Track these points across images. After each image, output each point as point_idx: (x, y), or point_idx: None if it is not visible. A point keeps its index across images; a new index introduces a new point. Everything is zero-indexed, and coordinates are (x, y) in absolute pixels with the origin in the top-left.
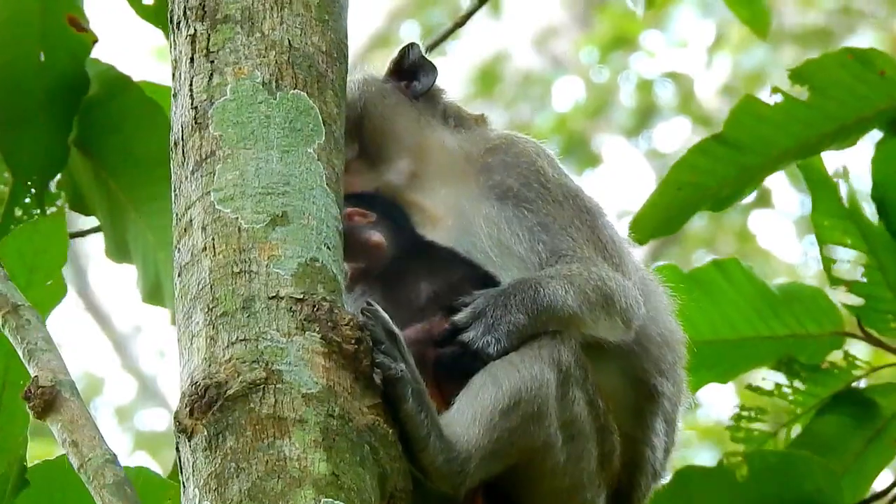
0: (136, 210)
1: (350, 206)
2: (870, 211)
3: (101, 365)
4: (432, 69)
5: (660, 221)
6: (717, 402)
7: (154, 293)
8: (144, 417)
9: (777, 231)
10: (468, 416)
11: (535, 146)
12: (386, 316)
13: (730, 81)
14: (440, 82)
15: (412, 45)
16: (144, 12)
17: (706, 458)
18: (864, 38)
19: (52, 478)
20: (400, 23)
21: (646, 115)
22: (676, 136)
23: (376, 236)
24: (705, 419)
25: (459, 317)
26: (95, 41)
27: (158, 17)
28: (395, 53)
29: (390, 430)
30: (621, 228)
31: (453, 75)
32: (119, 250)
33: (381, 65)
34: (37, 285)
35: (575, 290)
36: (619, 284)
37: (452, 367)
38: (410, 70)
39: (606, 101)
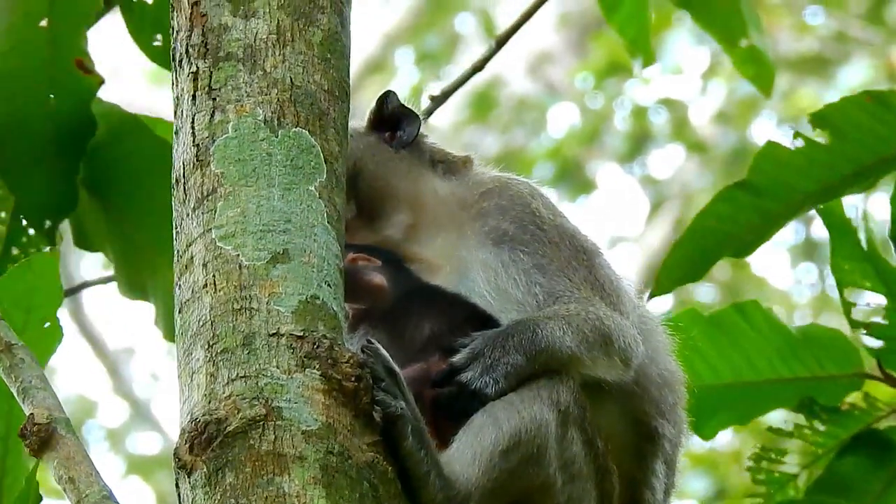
0: (154, 249)
1: (353, 252)
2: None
3: (93, 388)
4: (414, 117)
5: (685, 270)
6: None
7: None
8: (137, 441)
9: (771, 259)
10: (468, 456)
11: (528, 187)
12: (386, 354)
13: (724, 108)
14: (422, 128)
15: (388, 93)
16: (153, 54)
17: (699, 485)
18: (859, 66)
19: None
20: (394, 48)
21: (640, 142)
22: (670, 162)
23: (378, 278)
24: (699, 447)
25: (457, 357)
26: (101, 83)
27: (167, 58)
28: (372, 104)
29: (390, 468)
30: (618, 266)
31: (449, 101)
32: (133, 289)
33: (364, 109)
34: (33, 326)
35: (573, 330)
36: (617, 324)
37: (450, 406)
38: (391, 119)
39: (601, 127)
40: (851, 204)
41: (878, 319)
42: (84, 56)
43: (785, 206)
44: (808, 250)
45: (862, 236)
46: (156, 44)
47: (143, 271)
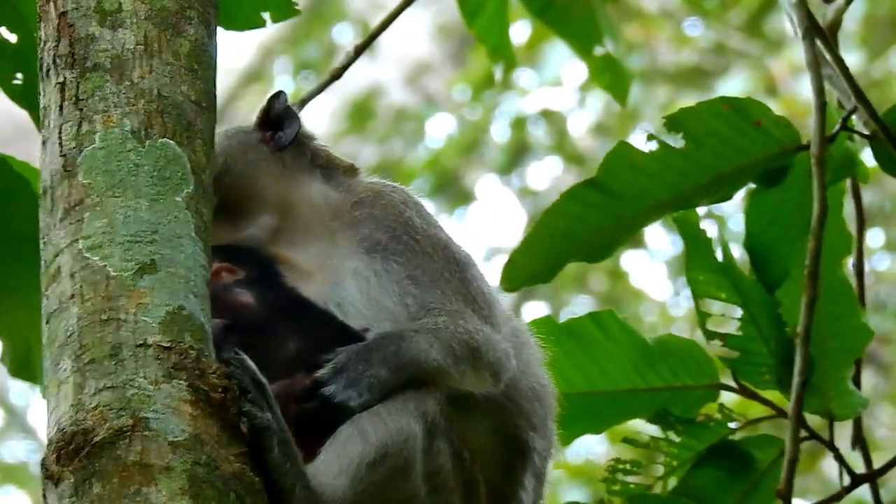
0: (2, 287)
1: (219, 259)
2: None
3: None
4: (295, 119)
5: (533, 270)
6: (587, 441)
7: (23, 368)
8: (12, 449)
9: (649, 271)
10: (335, 468)
11: (403, 196)
12: (253, 365)
13: (603, 120)
14: (310, 128)
15: (278, 94)
16: (13, 92)
17: (577, 495)
18: (738, 78)
19: None
20: (273, 59)
21: (518, 153)
22: (548, 174)
23: (245, 296)
24: (575, 457)
25: (321, 372)
26: None
27: (24, 97)
28: (264, 102)
29: (257, 479)
30: (492, 278)
31: (326, 111)
32: None
33: (250, 111)
34: None
35: (440, 343)
36: (486, 338)
37: (314, 421)
38: (276, 120)
39: (479, 138)
40: (707, 214)
41: (733, 331)
42: None
43: (637, 211)
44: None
45: (717, 247)
46: (16, 82)
47: None
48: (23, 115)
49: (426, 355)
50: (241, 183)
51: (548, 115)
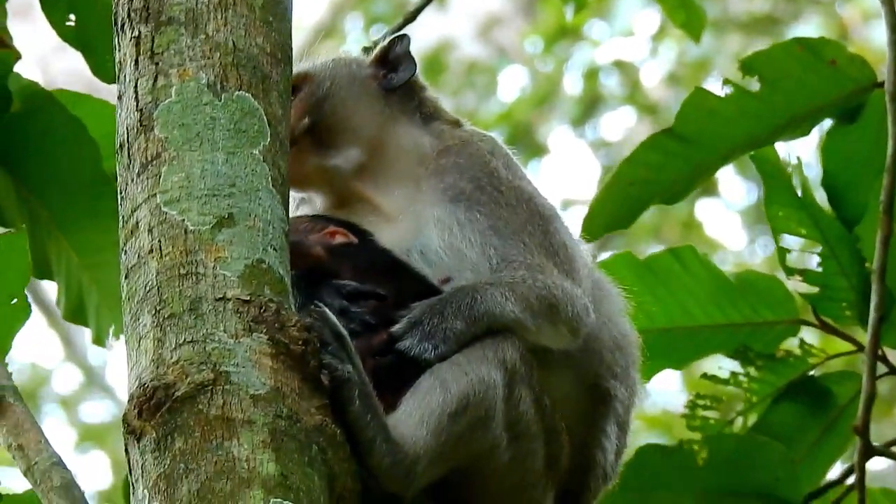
0: (60, 229)
1: (334, 226)
2: (821, 199)
3: (47, 356)
4: (412, 65)
5: (611, 217)
6: (666, 390)
7: (77, 312)
8: (90, 408)
9: (723, 220)
10: (416, 419)
11: (491, 145)
12: (333, 318)
13: (675, 70)
14: (422, 79)
15: (402, 36)
16: (65, 33)
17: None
18: (809, 25)
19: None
20: (344, 15)
21: (591, 105)
22: (622, 125)
23: (318, 249)
24: (652, 408)
25: (396, 327)
26: (18, 58)
27: (77, 38)
28: (385, 42)
29: (338, 431)
30: (574, 231)
31: None
32: (38, 267)
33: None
34: (0, 304)
35: (517, 297)
36: (566, 293)
37: (392, 376)
38: (394, 62)
39: (552, 90)
40: (785, 151)
41: (814, 266)
42: (2, 30)
43: (714, 155)
44: (760, 212)
45: (796, 183)
46: (69, 24)
47: (49, 250)
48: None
49: (502, 308)
50: (340, 111)
51: (620, 66)
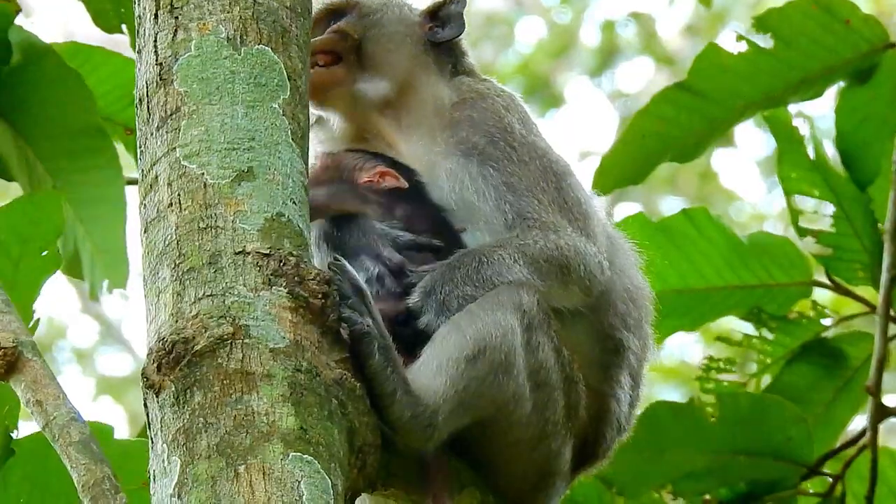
0: (56, 180)
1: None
2: (833, 157)
3: (63, 309)
4: (461, 26)
5: (625, 171)
6: (681, 342)
7: (72, 265)
8: (107, 361)
9: (740, 171)
10: (434, 366)
11: (507, 100)
12: (353, 271)
13: (692, 21)
14: (465, 44)
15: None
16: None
17: (672, 396)
18: None
19: (38, 449)
20: None
21: (608, 56)
22: (639, 76)
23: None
24: (669, 359)
25: (412, 301)
26: (18, 10)
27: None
28: None
29: (358, 385)
30: (587, 186)
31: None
32: None
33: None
34: (30, 255)
35: (525, 259)
36: (578, 251)
37: (412, 345)
38: (444, 18)
39: (569, 41)
40: (798, 112)
41: (826, 228)
42: None
43: (728, 111)
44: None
45: (809, 144)
46: None
47: None
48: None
49: (509, 269)
50: (382, 43)
51: (637, 17)
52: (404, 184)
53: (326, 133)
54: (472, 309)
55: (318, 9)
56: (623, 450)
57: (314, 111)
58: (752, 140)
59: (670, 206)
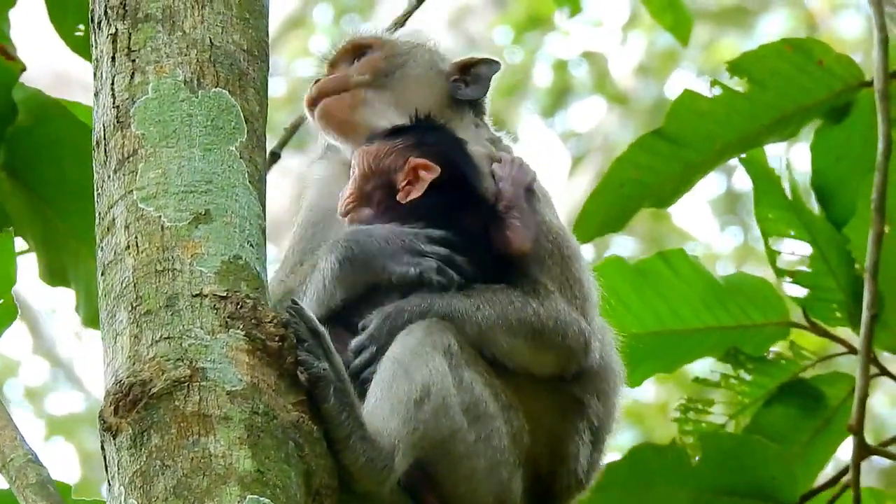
0: (77, 238)
1: (411, 139)
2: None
3: (15, 347)
4: (486, 89)
5: (603, 220)
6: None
7: (97, 318)
8: (58, 400)
9: (693, 210)
10: (386, 409)
11: (534, 176)
12: (310, 314)
13: (644, 60)
14: (488, 105)
15: (496, 63)
16: (75, 43)
17: (625, 438)
18: (778, 16)
19: None
20: (314, 6)
21: (560, 95)
22: (592, 115)
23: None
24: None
25: (353, 344)
26: (23, 69)
27: (86, 48)
28: (478, 55)
29: (315, 427)
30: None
31: None
32: (54, 275)
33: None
34: None
35: (493, 309)
36: (559, 322)
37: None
38: (472, 78)
39: (522, 81)
40: (774, 153)
41: (803, 268)
42: (6, 41)
43: (705, 156)
44: (730, 201)
45: (786, 185)
46: (78, 34)
47: (65, 258)
48: (63, 66)
49: (462, 312)
50: (406, 83)
51: (589, 57)
52: (437, 169)
53: (339, 161)
54: (412, 348)
55: (344, 43)
56: (608, 487)
57: (332, 141)
58: (704, 180)
59: (623, 245)
